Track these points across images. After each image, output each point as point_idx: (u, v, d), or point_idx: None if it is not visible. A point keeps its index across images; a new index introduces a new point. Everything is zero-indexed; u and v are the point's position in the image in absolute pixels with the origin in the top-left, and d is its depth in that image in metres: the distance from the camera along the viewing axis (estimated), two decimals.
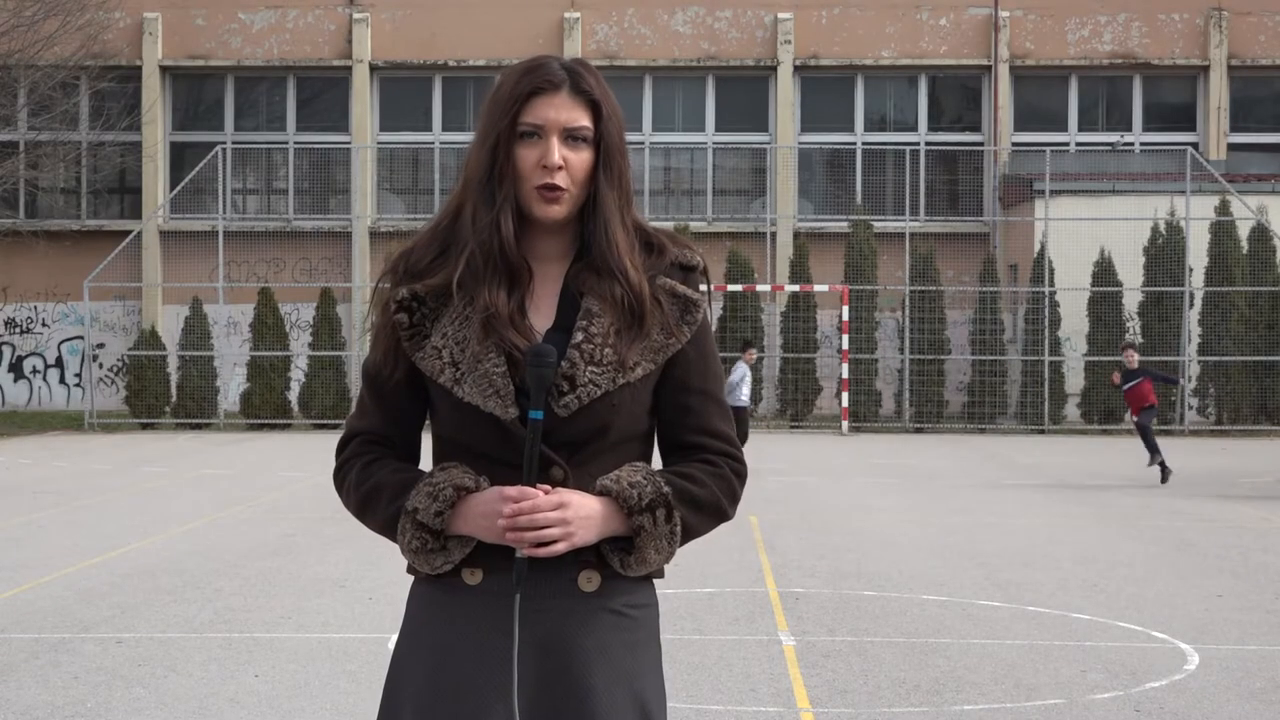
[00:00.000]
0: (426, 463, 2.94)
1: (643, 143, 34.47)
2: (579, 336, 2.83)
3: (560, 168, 2.83)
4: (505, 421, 2.80)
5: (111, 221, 34.71)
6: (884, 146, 34.17)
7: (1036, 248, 30.89)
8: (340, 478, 2.95)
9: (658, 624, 2.94)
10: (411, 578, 2.97)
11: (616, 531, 2.82)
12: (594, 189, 2.86)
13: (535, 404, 2.76)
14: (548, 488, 2.77)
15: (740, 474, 2.93)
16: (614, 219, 2.87)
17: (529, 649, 2.82)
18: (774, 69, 34.37)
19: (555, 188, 2.83)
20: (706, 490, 2.87)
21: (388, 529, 2.88)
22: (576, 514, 2.76)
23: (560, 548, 2.76)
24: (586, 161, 2.86)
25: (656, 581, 2.96)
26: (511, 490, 2.75)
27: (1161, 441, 28.23)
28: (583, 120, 2.85)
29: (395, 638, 3.02)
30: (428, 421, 2.97)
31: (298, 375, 31.73)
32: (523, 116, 2.85)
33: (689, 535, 2.87)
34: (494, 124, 2.87)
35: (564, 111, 2.84)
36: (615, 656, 2.85)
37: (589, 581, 2.84)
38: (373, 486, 2.89)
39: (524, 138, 2.85)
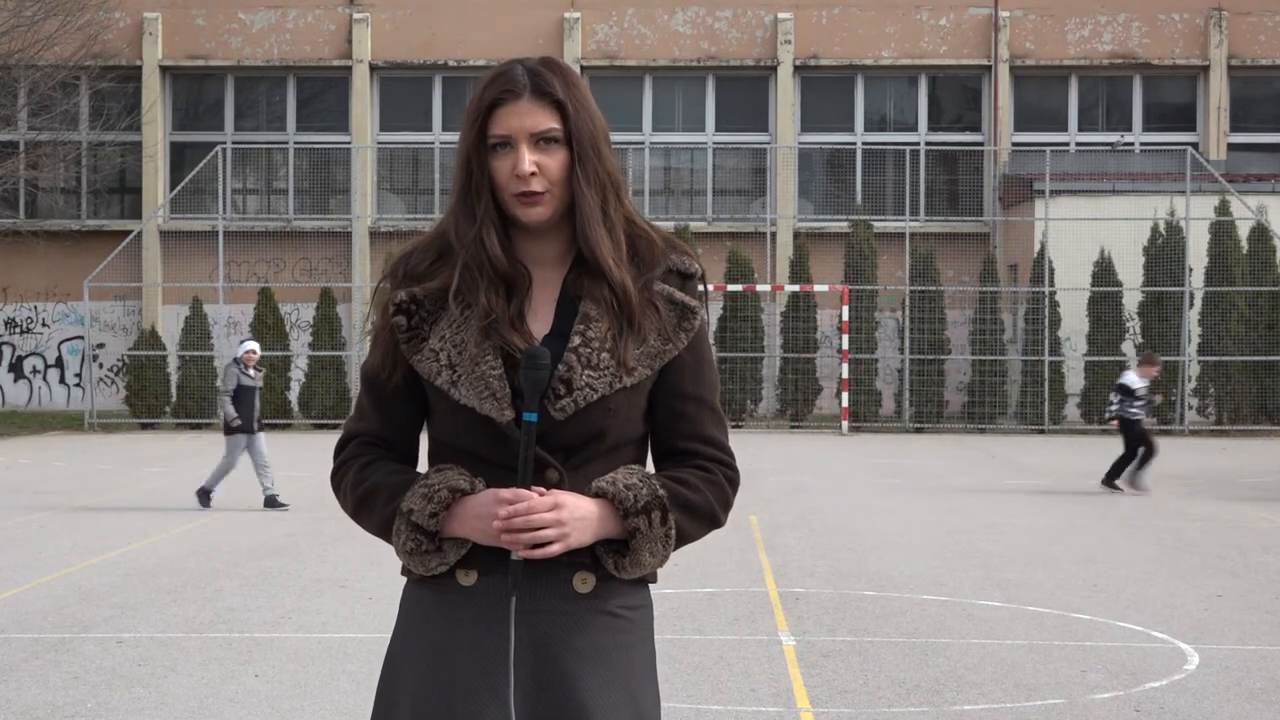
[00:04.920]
0: (424, 466, 2.94)
1: (643, 143, 34.48)
2: (576, 340, 2.84)
3: (533, 174, 2.83)
4: (501, 424, 2.80)
5: (111, 221, 34.71)
6: (884, 146, 34.16)
7: (1036, 248, 30.90)
8: (338, 479, 2.96)
9: (652, 626, 2.95)
10: (405, 579, 2.98)
11: (612, 533, 2.82)
12: (572, 188, 2.87)
13: (529, 406, 2.77)
14: (542, 490, 2.77)
15: (733, 481, 2.93)
16: (593, 217, 2.86)
17: (524, 650, 2.82)
18: (774, 69, 34.37)
19: (531, 193, 2.84)
20: (700, 495, 2.88)
21: (383, 530, 2.88)
22: (572, 515, 2.77)
23: (555, 549, 2.76)
24: (562, 162, 2.85)
25: (655, 584, 2.96)
26: (506, 492, 2.76)
27: (1162, 441, 28.25)
28: (549, 123, 2.84)
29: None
30: (425, 424, 2.98)
31: (298, 375, 31.74)
32: (490, 129, 2.85)
33: (682, 540, 2.87)
34: (464, 138, 2.88)
35: (528, 118, 2.83)
36: (610, 658, 2.85)
37: (584, 583, 2.84)
38: (369, 488, 2.89)
39: (495, 149, 2.85)
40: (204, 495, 16.22)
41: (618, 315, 2.86)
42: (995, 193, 33.82)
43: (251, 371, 16.81)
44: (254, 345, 17.17)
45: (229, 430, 16.52)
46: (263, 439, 16.59)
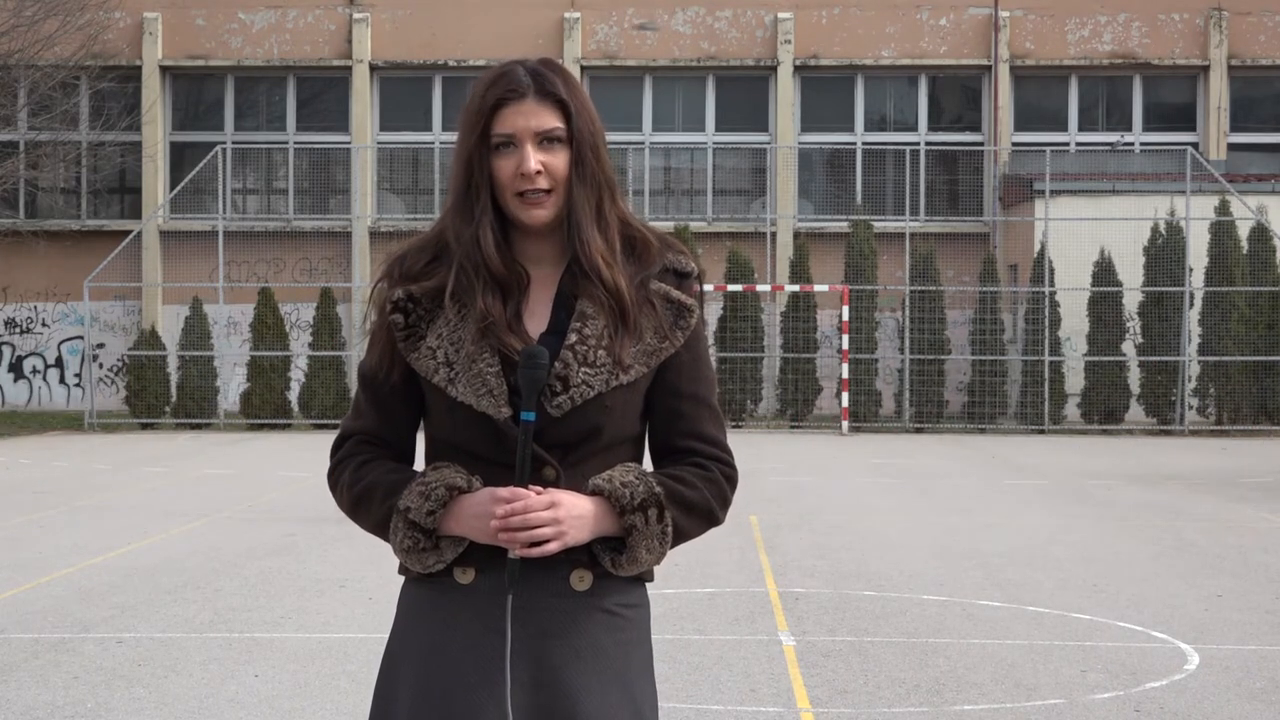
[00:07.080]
0: (421, 464, 2.94)
1: (643, 143, 34.48)
2: (573, 338, 2.85)
3: (539, 172, 2.84)
4: (498, 421, 2.81)
5: (111, 221, 34.70)
6: (884, 146, 34.16)
7: (1036, 248, 30.89)
8: (334, 477, 2.97)
9: (649, 625, 2.95)
10: (403, 578, 2.98)
11: (608, 531, 2.83)
12: (568, 188, 2.87)
13: (527, 406, 2.77)
14: (539, 488, 2.78)
15: (731, 478, 2.94)
16: (586, 217, 2.88)
17: (521, 648, 2.83)
18: (774, 69, 34.37)
19: (536, 191, 2.84)
20: (698, 493, 2.88)
21: (380, 528, 2.89)
22: (568, 513, 2.77)
23: (553, 547, 2.77)
24: (565, 161, 2.87)
25: (652, 583, 2.96)
26: (503, 491, 2.76)
27: (1162, 441, 28.29)
28: (554, 122, 2.86)
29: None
30: (422, 423, 2.98)
31: (298, 375, 31.74)
32: (494, 128, 2.86)
33: (680, 537, 2.88)
34: (465, 138, 2.88)
35: (533, 117, 2.85)
36: (608, 656, 2.86)
37: (581, 581, 2.85)
38: (366, 486, 2.90)
39: (499, 149, 2.86)
40: None
41: (612, 314, 2.87)
42: (995, 193, 33.81)
43: None
44: None
45: None
46: None
